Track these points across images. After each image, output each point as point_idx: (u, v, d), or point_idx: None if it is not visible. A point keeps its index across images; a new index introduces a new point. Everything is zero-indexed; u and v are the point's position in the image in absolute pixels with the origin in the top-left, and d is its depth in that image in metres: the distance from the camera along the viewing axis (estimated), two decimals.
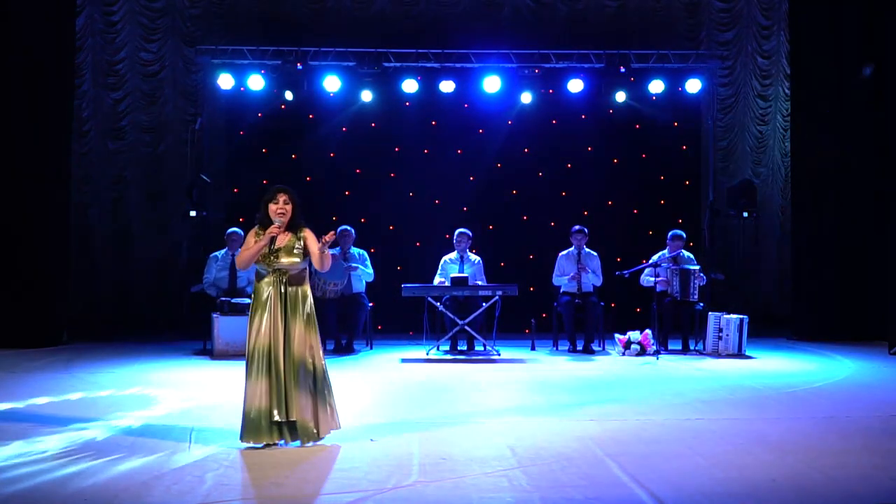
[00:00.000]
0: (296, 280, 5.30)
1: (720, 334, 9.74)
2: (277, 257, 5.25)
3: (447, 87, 11.78)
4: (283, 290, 5.24)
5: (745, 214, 11.62)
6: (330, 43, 11.70)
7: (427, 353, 9.72)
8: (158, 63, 12.16)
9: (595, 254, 10.35)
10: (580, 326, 10.06)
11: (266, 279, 5.27)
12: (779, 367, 8.83)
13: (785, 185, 12.40)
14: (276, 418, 5.13)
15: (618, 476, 4.59)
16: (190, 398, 6.89)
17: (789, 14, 11.72)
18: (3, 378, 7.81)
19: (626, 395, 7.18)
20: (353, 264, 10.04)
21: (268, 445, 5.14)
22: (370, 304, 10.19)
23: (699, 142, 12.51)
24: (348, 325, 10.04)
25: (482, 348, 9.93)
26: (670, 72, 11.92)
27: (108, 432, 5.58)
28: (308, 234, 5.39)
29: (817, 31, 11.07)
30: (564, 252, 10.37)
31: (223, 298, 9.54)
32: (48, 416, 6.10)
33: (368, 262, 10.27)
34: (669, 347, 10.09)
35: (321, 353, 5.36)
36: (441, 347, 9.99)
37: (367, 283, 10.24)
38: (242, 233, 10.17)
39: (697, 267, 10.08)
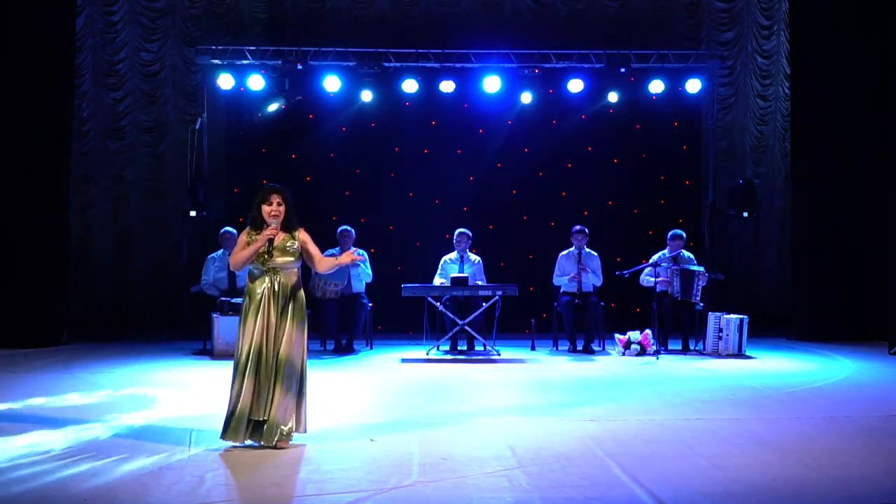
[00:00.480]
0: (288, 279, 5.29)
1: (720, 334, 9.74)
2: (272, 256, 5.24)
3: (447, 87, 11.77)
4: (276, 289, 5.22)
5: (745, 214, 11.63)
6: (330, 43, 11.70)
7: (427, 353, 9.71)
8: (158, 63, 12.16)
9: (595, 254, 10.35)
10: (580, 326, 10.05)
11: (259, 279, 5.25)
12: (779, 367, 8.83)
13: (785, 185, 12.40)
14: (255, 417, 5.10)
15: (618, 476, 4.59)
16: (190, 398, 6.90)
17: (789, 14, 11.72)
18: (2, 378, 7.81)
19: (626, 395, 7.18)
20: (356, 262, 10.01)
21: (247, 446, 5.11)
22: (370, 304, 10.19)
23: (699, 142, 12.50)
24: (348, 325, 10.04)
25: (482, 348, 9.93)
26: (670, 72, 11.91)
27: (107, 432, 5.58)
28: (304, 235, 5.39)
29: (817, 31, 11.07)
30: (565, 252, 10.37)
31: (223, 298, 9.55)
32: (48, 416, 6.10)
33: (368, 263, 10.26)
34: (669, 347, 10.09)
35: (306, 353, 5.35)
36: (441, 347, 9.99)
37: (366, 283, 10.23)
38: (236, 232, 10.18)
39: (701, 269, 10.06)
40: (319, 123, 12.14)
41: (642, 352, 9.59)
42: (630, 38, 12.03)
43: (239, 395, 5.11)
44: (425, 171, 12.16)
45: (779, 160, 12.70)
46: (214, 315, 9.37)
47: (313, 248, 5.43)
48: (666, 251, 10.27)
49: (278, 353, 5.17)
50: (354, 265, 9.95)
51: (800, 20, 11.31)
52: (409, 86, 11.72)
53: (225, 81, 11.63)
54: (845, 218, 11.01)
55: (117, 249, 12.26)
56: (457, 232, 10.30)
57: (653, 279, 10.08)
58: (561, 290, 10.30)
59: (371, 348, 10.29)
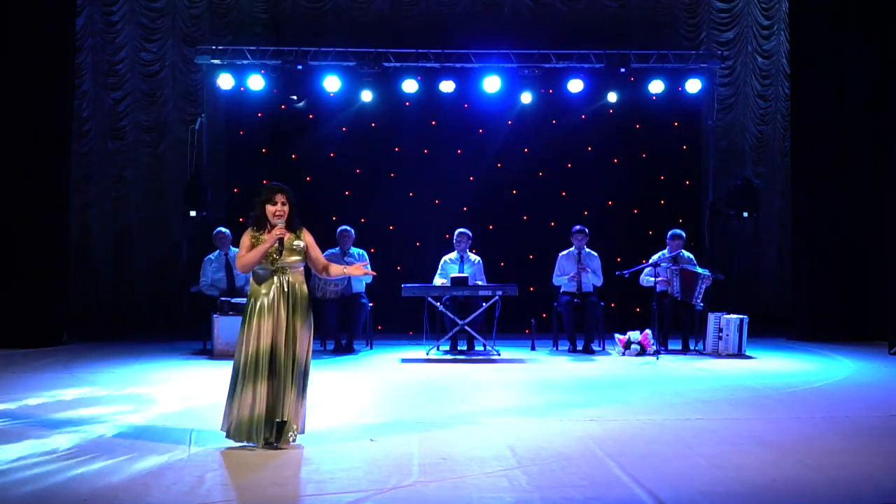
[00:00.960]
0: (296, 278, 5.29)
1: (720, 334, 9.74)
2: (281, 255, 5.24)
3: (447, 87, 11.77)
4: (286, 289, 5.21)
5: (745, 214, 11.63)
6: (330, 43, 11.70)
7: (427, 353, 9.71)
8: (158, 63, 12.16)
9: (595, 254, 10.35)
10: (580, 326, 10.05)
11: (266, 279, 5.22)
12: (779, 367, 8.83)
13: (785, 185, 12.40)
14: (276, 419, 5.08)
15: (618, 476, 4.59)
16: (190, 398, 6.89)
17: (789, 14, 11.72)
18: (2, 378, 7.81)
19: (626, 395, 7.18)
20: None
21: (245, 446, 5.09)
22: (370, 304, 10.19)
23: (699, 142, 12.50)
24: (348, 325, 10.03)
25: (482, 348, 9.93)
26: (670, 72, 11.91)
27: (107, 432, 5.58)
28: (308, 238, 5.39)
29: (817, 31, 11.07)
30: (565, 252, 10.37)
31: (223, 298, 9.56)
32: (48, 416, 6.10)
33: (369, 265, 10.25)
34: (669, 347, 10.09)
35: (311, 352, 5.36)
36: (441, 347, 9.99)
37: (366, 283, 10.23)
38: (229, 232, 10.19)
39: (706, 272, 10.04)
40: (319, 123, 12.14)
41: (642, 352, 9.59)
42: (630, 38, 12.03)
43: (255, 398, 5.05)
44: (425, 171, 12.16)
45: (779, 160, 12.70)
46: (214, 315, 9.37)
47: (317, 252, 5.43)
48: (666, 251, 10.27)
49: (293, 353, 5.16)
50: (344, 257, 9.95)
51: (800, 20, 11.31)
52: (409, 86, 11.72)
53: (225, 81, 11.63)
54: (845, 218, 11.00)
55: (117, 249, 12.26)
56: (457, 232, 10.30)
57: (652, 279, 10.08)
58: (561, 290, 10.30)
59: (371, 348, 10.29)
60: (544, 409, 6.58)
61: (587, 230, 10.31)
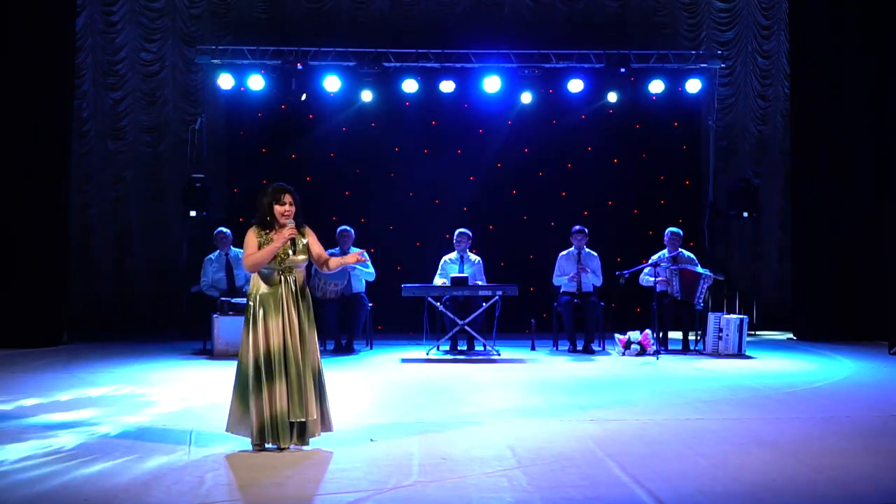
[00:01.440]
0: (302, 278, 5.30)
1: (720, 334, 9.74)
2: (288, 255, 5.23)
3: (447, 87, 11.77)
4: (293, 288, 5.21)
5: (745, 214, 11.63)
6: (330, 43, 11.70)
7: (427, 353, 9.71)
8: (158, 63, 12.16)
9: (595, 254, 10.35)
10: (580, 326, 10.05)
11: (272, 279, 5.18)
12: (779, 367, 8.83)
13: (785, 185, 12.40)
14: (295, 419, 5.05)
15: (618, 476, 4.59)
16: (190, 398, 6.89)
17: (789, 14, 11.72)
18: (2, 378, 7.82)
19: (626, 395, 7.18)
20: (356, 266, 10.00)
21: (281, 449, 5.04)
22: (370, 304, 10.19)
23: (699, 142, 12.49)
24: (348, 325, 10.04)
25: (482, 348, 9.93)
26: (670, 72, 11.91)
27: (107, 432, 5.58)
28: (310, 234, 5.39)
29: (817, 31, 11.07)
30: (564, 252, 10.37)
31: (223, 298, 9.56)
32: (48, 416, 6.10)
33: (369, 262, 10.25)
34: (669, 347, 10.09)
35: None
36: (441, 347, 9.99)
37: (367, 282, 10.24)
38: (230, 232, 10.19)
39: (708, 272, 10.04)
40: (319, 123, 12.14)
41: (642, 352, 9.59)
42: (630, 38, 12.04)
43: (274, 398, 5.00)
44: (425, 171, 12.15)
45: (779, 160, 12.69)
46: (214, 315, 9.38)
47: (319, 248, 5.43)
48: (665, 251, 10.27)
49: (307, 352, 5.15)
50: (353, 268, 9.95)
51: (800, 20, 11.31)
52: (409, 86, 11.71)
53: (225, 81, 11.63)
54: (845, 218, 11.00)
55: (117, 249, 12.26)
56: (457, 232, 10.30)
57: (652, 279, 10.08)
58: (561, 290, 10.30)
59: (371, 348, 10.29)
60: (544, 409, 6.59)
61: (587, 230, 10.31)
